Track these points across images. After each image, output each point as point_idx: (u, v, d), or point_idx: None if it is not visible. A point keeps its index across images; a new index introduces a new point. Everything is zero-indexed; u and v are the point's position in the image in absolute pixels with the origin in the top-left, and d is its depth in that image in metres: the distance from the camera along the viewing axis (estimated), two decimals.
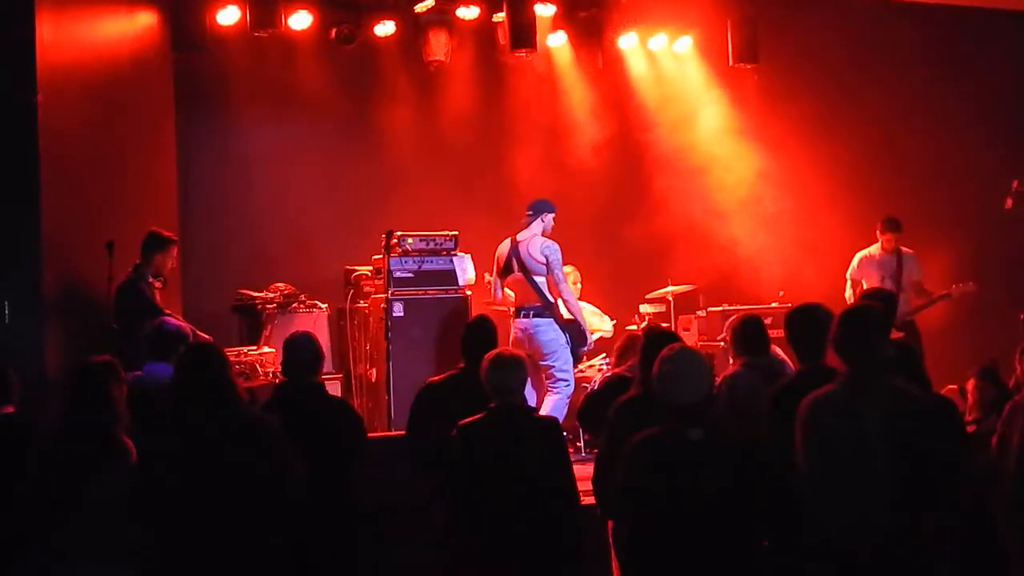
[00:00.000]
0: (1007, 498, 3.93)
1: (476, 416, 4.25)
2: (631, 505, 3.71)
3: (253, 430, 3.99)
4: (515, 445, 4.18)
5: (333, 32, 8.64)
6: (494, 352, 4.38)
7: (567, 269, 8.43)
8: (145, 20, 7.80)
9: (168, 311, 6.31)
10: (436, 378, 5.16)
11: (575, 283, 8.50)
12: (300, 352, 4.73)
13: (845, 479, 3.58)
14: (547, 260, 7.17)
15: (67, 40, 6.41)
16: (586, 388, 7.52)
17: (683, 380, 3.66)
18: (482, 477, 4.17)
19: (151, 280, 6.41)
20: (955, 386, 5.43)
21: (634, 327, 8.04)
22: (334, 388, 7.60)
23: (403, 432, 5.34)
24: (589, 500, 4.91)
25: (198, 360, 4.08)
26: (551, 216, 7.41)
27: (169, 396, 4.06)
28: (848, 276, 8.51)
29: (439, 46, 8.76)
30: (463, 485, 4.22)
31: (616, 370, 5.33)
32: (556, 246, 7.22)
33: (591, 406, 5.24)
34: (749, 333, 5.05)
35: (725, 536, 3.57)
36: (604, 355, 8.02)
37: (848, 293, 8.48)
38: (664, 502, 3.60)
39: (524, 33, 8.65)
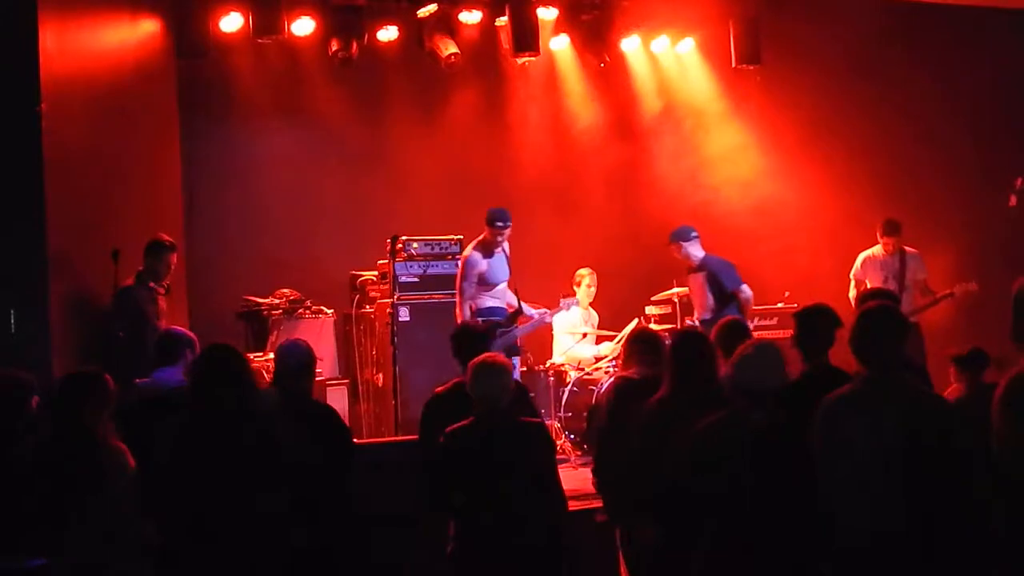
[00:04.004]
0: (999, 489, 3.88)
1: (462, 422, 4.27)
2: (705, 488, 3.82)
3: (238, 439, 4.04)
4: (501, 449, 4.20)
5: (332, 49, 8.63)
6: (478, 359, 4.39)
7: (583, 272, 8.52)
8: (148, 27, 7.81)
9: (160, 320, 6.36)
10: (441, 388, 5.18)
11: (589, 286, 8.52)
12: (287, 360, 4.76)
13: (865, 479, 3.58)
14: None
15: (70, 48, 6.42)
16: (592, 391, 7.53)
17: (765, 367, 3.86)
18: (470, 482, 4.19)
19: (152, 286, 6.44)
20: (958, 384, 5.42)
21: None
22: (340, 393, 7.61)
23: (410, 437, 5.34)
24: (589, 504, 4.93)
25: (214, 357, 4.18)
26: (488, 227, 7.32)
27: (187, 391, 4.17)
28: (852, 276, 8.51)
29: (447, 44, 8.77)
30: (452, 490, 4.24)
31: (624, 373, 5.30)
32: (466, 256, 7.28)
33: (603, 409, 5.24)
34: (735, 337, 5.03)
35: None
36: (610, 357, 8.02)
37: (852, 293, 8.47)
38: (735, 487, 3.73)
39: (527, 37, 8.66)
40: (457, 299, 7.26)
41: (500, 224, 7.25)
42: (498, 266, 7.34)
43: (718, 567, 3.84)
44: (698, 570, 3.88)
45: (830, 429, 3.65)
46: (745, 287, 7.54)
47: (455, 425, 4.27)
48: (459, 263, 7.36)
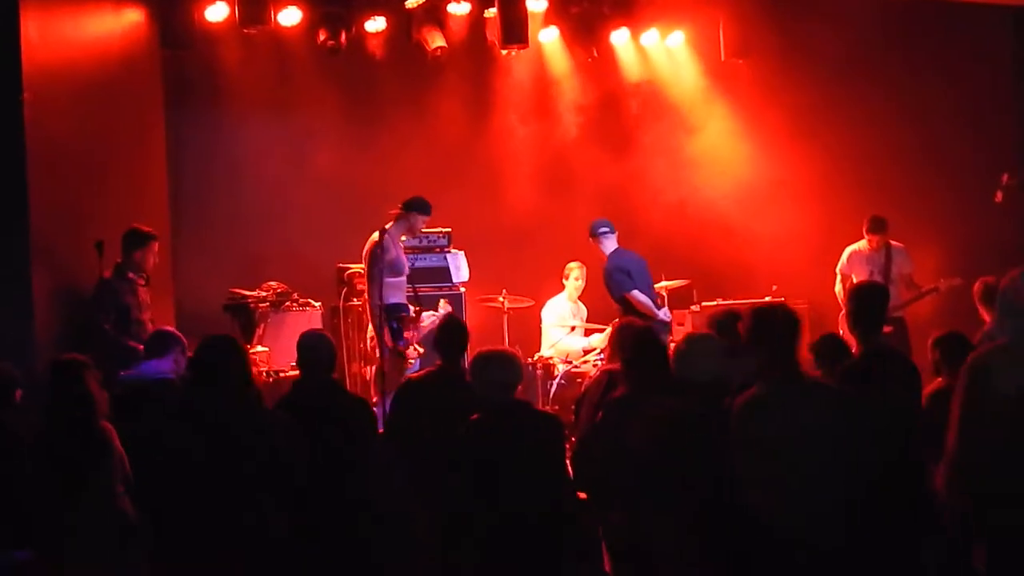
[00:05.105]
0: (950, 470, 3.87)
1: (482, 413, 4.23)
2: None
3: (255, 422, 4.06)
4: (520, 441, 4.18)
5: (320, 39, 8.58)
6: (489, 350, 4.36)
7: (572, 265, 8.52)
8: (132, 17, 7.75)
9: (144, 311, 6.33)
10: (415, 375, 5.21)
11: (578, 279, 8.52)
12: (318, 351, 4.73)
13: (784, 476, 3.62)
14: None
15: (53, 38, 6.36)
16: (580, 383, 7.52)
17: (694, 359, 4.03)
18: (489, 473, 4.15)
19: (131, 276, 6.39)
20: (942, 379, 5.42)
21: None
22: None
23: None
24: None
25: (211, 351, 4.16)
26: (415, 215, 7.08)
27: (182, 385, 4.28)
28: (838, 270, 8.54)
29: (435, 37, 8.73)
30: (472, 481, 4.20)
31: (609, 366, 5.31)
32: (380, 240, 6.89)
33: (582, 402, 5.26)
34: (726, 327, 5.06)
35: None
36: (598, 350, 8.02)
37: (838, 288, 8.50)
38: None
39: (516, 28, 8.61)
40: (367, 286, 6.93)
41: (430, 213, 7.07)
42: (403, 256, 7.10)
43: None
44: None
45: (747, 430, 3.69)
46: (636, 293, 7.45)
47: (472, 418, 4.23)
48: (369, 248, 6.92)
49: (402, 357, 6.72)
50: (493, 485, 4.12)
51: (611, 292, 7.58)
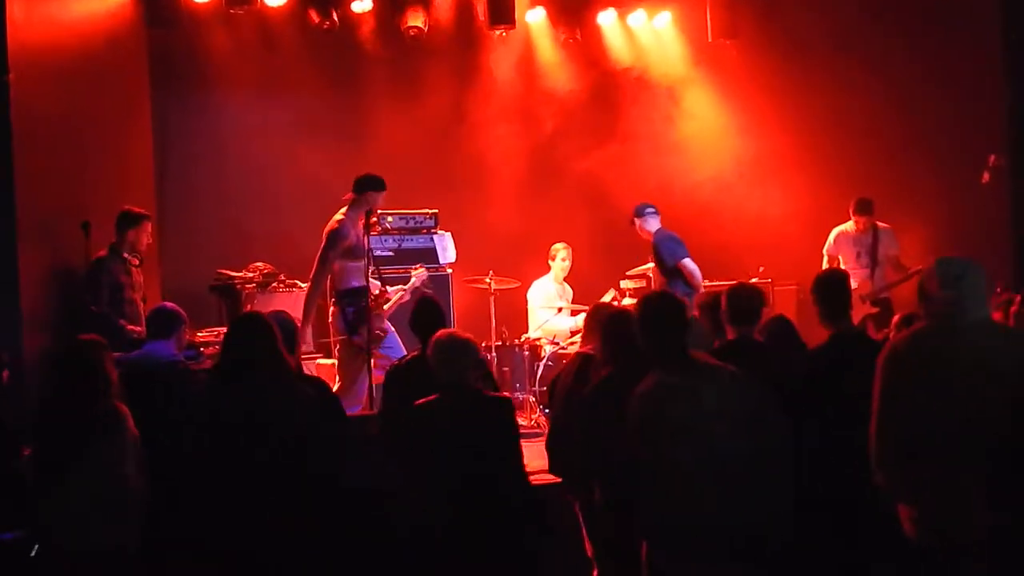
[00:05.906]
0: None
1: (430, 397, 4.25)
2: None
3: (292, 405, 4.08)
4: (468, 424, 4.19)
5: (314, 20, 8.54)
6: (442, 333, 4.38)
7: (559, 246, 8.54)
8: None
9: (137, 292, 6.32)
10: (399, 361, 5.26)
11: (564, 260, 8.54)
12: (282, 331, 4.68)
13: (690, 465, 3.60)
14: None
15: (39, 17, 6.32)
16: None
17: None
18: (436, 456, 4.17)
19: (126, 256, 6.39)
20: None
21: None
22: (315, 367, 7.58)
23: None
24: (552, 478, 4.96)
25: (245, 331, 4.20)
26: (372, 194, 6.76)
27: (216, 366, 4.31)
28: (825, 252, 8.57)
29: (412, 17, 8.71)
30: (419, 464, 4.22)
31: (582, 349, 5.30)
32: (339, 223, 6.72)
33: (556, 385, 5.28)
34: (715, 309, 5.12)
35: None
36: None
37: (825, 268, 8.53)
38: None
39: (502, 9, 8.63)
40: (315, 268, 6.72)
41: (385, 188, 6.75)
42: (362, 240, 6.70)
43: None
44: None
45: (648, 420, 3.68)
46: (688, 260, 7.64)
47: (420, 400, 4.25)
48: (331, 229, 6.69)
49: (361, 351, 6.47)
50: (440, 465, 4.13)
51: (664, 261, 7.74)
